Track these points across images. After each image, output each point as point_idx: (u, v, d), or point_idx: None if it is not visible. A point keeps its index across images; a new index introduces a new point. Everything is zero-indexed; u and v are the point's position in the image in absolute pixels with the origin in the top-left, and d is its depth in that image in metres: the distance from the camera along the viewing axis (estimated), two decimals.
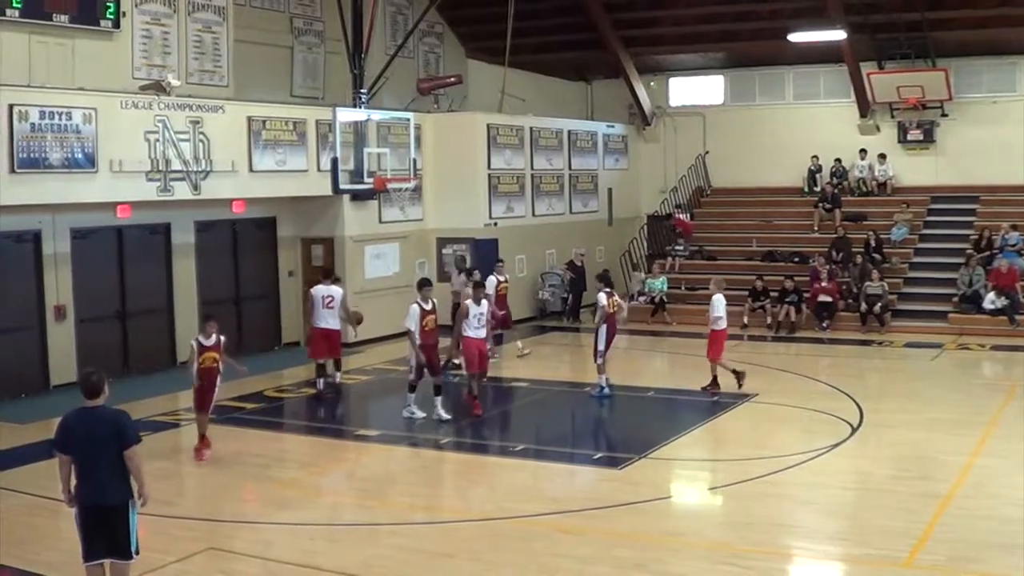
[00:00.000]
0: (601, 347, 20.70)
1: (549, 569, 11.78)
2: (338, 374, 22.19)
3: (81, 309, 22.40)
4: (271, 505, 14.54)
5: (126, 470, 9.83)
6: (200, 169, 22.67)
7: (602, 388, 20.78)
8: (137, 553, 10.01)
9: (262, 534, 13.16)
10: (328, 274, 22.82)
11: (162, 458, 16.18)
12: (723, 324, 20.95)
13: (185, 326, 24.34)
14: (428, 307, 18.96)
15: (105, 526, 9.86)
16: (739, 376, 20.86)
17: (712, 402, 20.18)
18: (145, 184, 21.68)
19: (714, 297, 21.11)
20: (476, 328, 19.41)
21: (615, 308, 20.99)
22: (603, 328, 20.68)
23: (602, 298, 20.86)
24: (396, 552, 12.47)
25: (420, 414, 19.06)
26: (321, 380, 21.52)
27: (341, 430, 19.35)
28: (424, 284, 19.94)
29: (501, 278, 25.11)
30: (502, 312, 24.68)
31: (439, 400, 18.97)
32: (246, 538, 13.00)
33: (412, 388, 19.32)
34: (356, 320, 22.38)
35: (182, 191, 22.41)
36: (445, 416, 18.84)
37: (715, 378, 20.95)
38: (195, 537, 12.79)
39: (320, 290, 21.67)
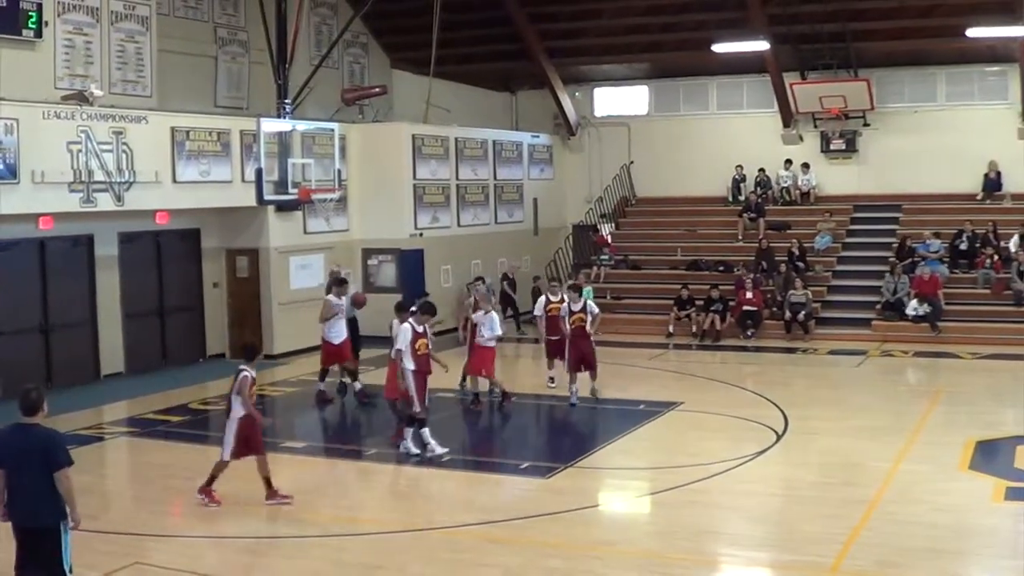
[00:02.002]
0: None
1: None
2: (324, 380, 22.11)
3: (2, 322, 22.04)
4: (198, 518, 14.37)
5: (58, 491, 9.71)
6: (123, 180, 22.40)
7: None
8: (71, 572, 9.93)
9: (189, 548, 13.05)
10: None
11: (86, 472, 15.90)
12: (494, 341, 20.94)
13: (108, 339, 24.11)
14: (421, 330, 17.11)
15: (37, 546, 9.78)
16: (478, 402, 21.16)
17: (638, 411, 20.21)
18: (68, 195, 21.40)
19: (491, 314, 20.94)
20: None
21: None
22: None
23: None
24: (324, 564, 12.42)
25: (415, 450, 17.04)
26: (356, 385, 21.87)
27: (267, 442, 19.16)
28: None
29: (555, 297, 22.01)
30: (555, 338, 21.50)
31: (426, 432, 17.08)
32: (173, 552, 12.86)
33: (411, 421, 17.22)
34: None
35: (105, 202, 22.15)
36: (440, 451, 16.97)
37: (503, 391, 21.11)
38: (121, 552, 12.63)
39: None
